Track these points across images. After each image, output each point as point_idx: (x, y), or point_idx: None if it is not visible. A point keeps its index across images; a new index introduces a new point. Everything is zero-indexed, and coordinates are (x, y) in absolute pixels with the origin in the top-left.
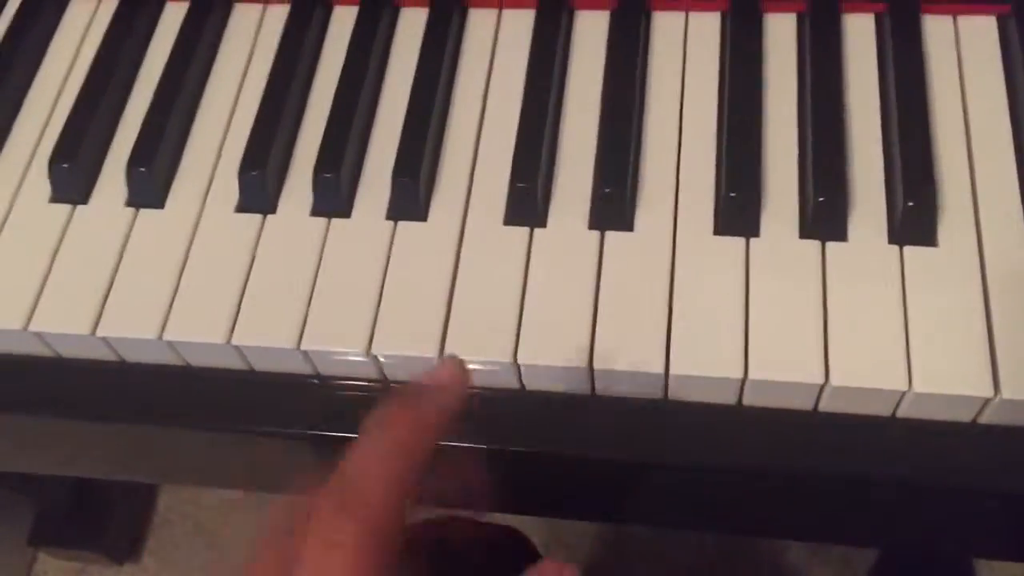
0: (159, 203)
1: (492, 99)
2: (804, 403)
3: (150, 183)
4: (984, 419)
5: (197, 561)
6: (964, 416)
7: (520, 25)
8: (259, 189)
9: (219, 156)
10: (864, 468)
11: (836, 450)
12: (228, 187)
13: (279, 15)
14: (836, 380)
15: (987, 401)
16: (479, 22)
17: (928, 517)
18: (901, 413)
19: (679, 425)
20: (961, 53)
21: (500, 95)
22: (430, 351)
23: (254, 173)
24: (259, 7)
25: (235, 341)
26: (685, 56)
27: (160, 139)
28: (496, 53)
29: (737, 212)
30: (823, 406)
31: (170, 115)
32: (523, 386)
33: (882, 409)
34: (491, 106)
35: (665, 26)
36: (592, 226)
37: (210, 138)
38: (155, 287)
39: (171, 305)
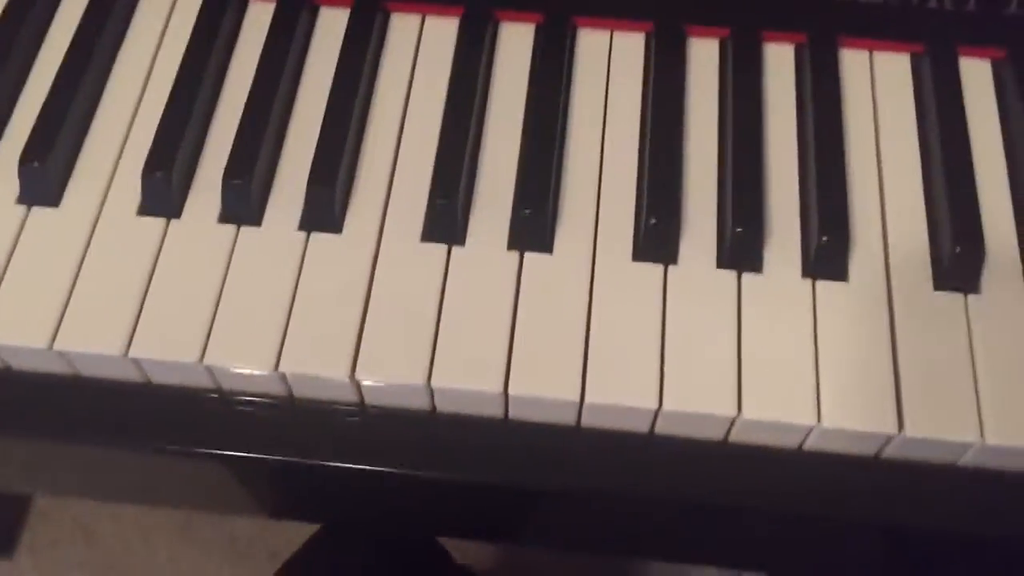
0: (54, 201)
1: (413, 107)
2: (715, 434)
3: (44, 179)
4: (887, 454)
5: (75, 559)
6: (868, 450)
7: (444, 33)
8: (163, 192)
9: (121, 153)
10: (765, 498)
11: (743, 480)
12: (130, 187)
13: (191, 6)
14: (748, 413)
15: (890, 438)
16: (401, 26)
17: (820, 545)
18: (808, 446)
19: (591, 451)
20: (876, 88)
21: (422, 103)
22: (341, 372)
23: (158, 175)
24: None
25: (133, 354)
26: (609, 76)
27: (56, 132)
28: (418, 59)
29: (657, 239)
30: (733, 437)
31: (68, 107)
32: (435, 409)
33: (790, 442)
34: (412, 115)
35: (591, 44)
36: (511, 247)
37: (112, 133)
38: (47, 292)
39: (63, 312)
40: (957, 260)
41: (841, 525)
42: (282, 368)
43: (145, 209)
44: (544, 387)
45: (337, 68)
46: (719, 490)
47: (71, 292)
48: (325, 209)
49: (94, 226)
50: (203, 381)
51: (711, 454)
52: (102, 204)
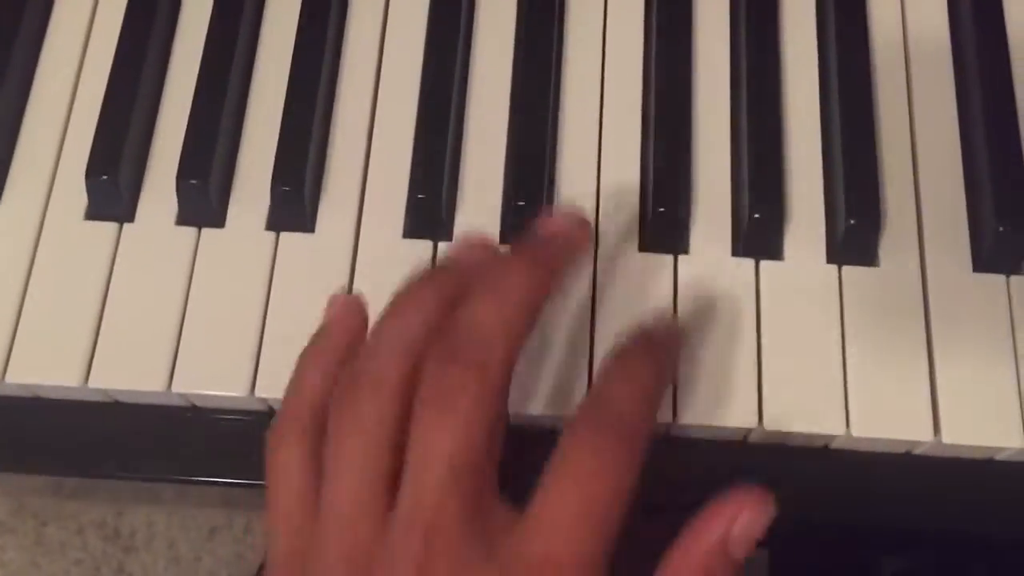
0: None
1: (385, 83)
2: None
3: None
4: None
5: None
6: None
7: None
8: (111, 194)
9: (60, 151)
10: None
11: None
12: (75, 189)
13: None
14: (770, 425)
15: (925, 443)
16: None
17: None
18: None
19: None
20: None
21: (394, 79)
22: None
23: (104, 178)
24: None
25: (93, 383)
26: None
27: None
28: (388, 30)
29: (665, 228)
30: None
31: None
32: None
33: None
34: (384, 93)
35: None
36: (503, 241)
37: (48, 128)
38: None
39: (13, 338)
40: (999, 239)
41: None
42: (259, 392)
43: (93, 213)
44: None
45: (297, 41)
46: None
47: (19, 312)
48: (294, 206)
49: (38, 234)
50: (174, 401)
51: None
52: (45, 208)
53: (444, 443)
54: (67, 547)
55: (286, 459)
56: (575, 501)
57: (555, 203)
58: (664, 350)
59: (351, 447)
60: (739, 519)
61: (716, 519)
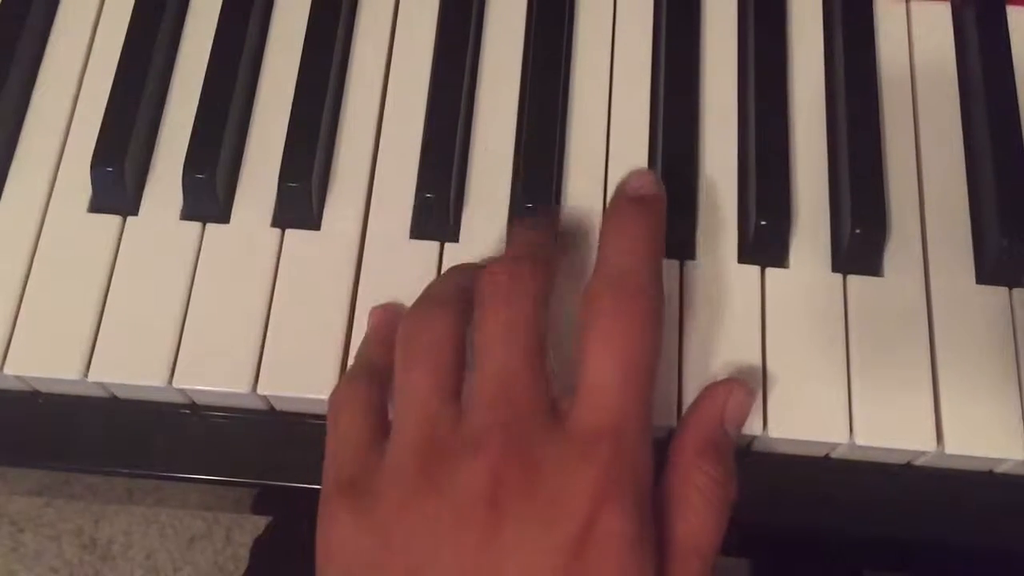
0: None
1: (394, 81)
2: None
3: None
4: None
5: None
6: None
7: None
8: (116, 186)
9: (65, 142)
10: None
11: None
12: (79, 180)
13: None
14: (774, 432)
15: (927, 453)
16: None
17: None
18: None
19: None
20: (913, 47)
21: (403, 77)
22: (328, 391)
23: (108, 169)
24: None
25: (94, 377)
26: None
27: None
28: (398, 28)
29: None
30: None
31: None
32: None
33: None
34: (393, 90)
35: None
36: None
37: (53, 117)
38: None
39: (12, 329)
40: (1004, 252)
41: None
42: (261, 390)
43: (97, 206)
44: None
45: (307, 35)
46: None
47: (19, 302)
48: (300, 202)
49: (40, 226)
50: (173, 398)
51: None
52: (48, 200)
53: (514, 326)
54: (43, 554)
55: (352, 394)
56: (610, 367)
57: (562, 205)
58: (649, 200)
59: (423, 345)
60: (731, 398)
61: (713, 397)
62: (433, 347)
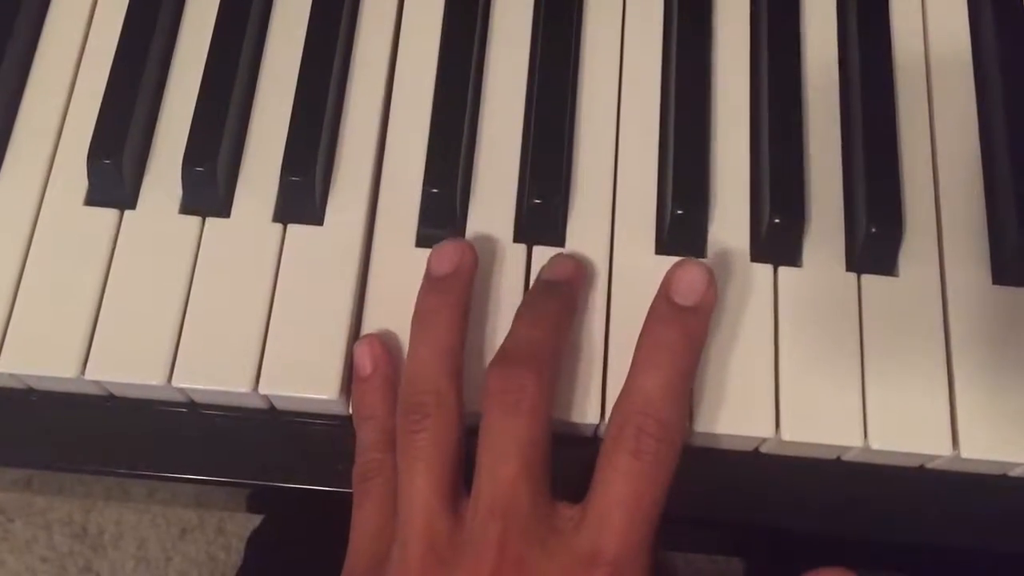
0: None
1: (400, 72)
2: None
3: None
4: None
5: None
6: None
7: None
8: (113, 179)
9: (61, 133)
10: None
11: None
12: (75, 173)
13: None
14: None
15: (942, 457)
16: None
17: None
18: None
19: None
20: (928, 38)
21: (408, 68)
22: (331, 391)
23: (106, 162)
24: None
25: (91, 375)
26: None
27: None
28: (404, 19)
29: (683, 231)
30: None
31: None
32: None
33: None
34: (398, 82)
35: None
36: (517, 239)
37: (49, 108)
38: None
39: (7, 326)
40: (1021, 251)
41: None
42: (263, 389)
43: (93, 198)
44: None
45: (309, 26)
46: None
47: (14, 298)
48: (304, 196)
49: (35, 218)
50: (172, 396)
51: None
52: (43, 192)
53: (516, 435)
54: (33, 544)
55: (374, 468)
56: (622, 500)
57: (570, 202)
58: (689, 314)
59: (422, 451)
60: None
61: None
62: (432, 448)
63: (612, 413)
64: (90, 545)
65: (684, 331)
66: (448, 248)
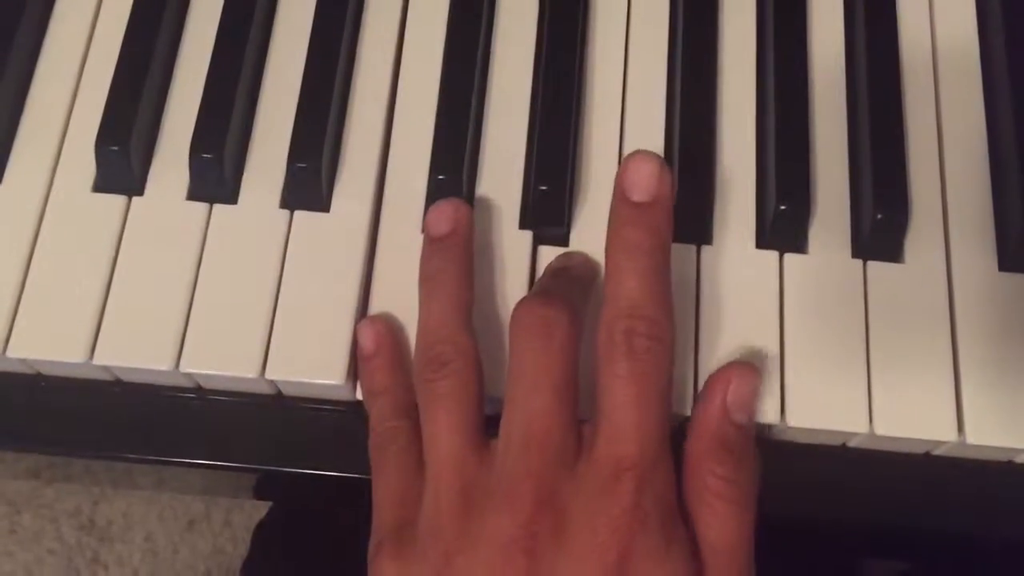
0: None
1: (406, 58)
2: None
3: None
4: (939, 452)
5: None
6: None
7: None
8: (121, 165)
9: (69, 119)
10: None
11: None
12: (83, 160)
13: None
14: (792, 421)
15: (947, 443)
16: None
17: None
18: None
19: None
20: (935, 26)
21: (415, 54)
22: (337, 376)
23: (114, 148)
24: None
25: (99, 360)
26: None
27: None
28: (410, 4)
29: (688, 218)
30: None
31: (3, 67)
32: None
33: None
34: (405, 68)
35: None
36: (523, 226)
37: (57, 94)
38: None
39: (16, 311)
40: None
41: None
42: (269, 374)
43: (102, 185)
44: None
45: (316, 12)
46: None
47: (23, 283)
48: (310, 182)
49: (44, 204)
50: (179, 382)
51: None
52: (51, 179)
53: (548, 368)
54: (41, 536)
55: (390, 439)
56: (629, 401)
57: (576, 189)
58: (651, 206)
59: (445, 397)
60: (731, 388)
61: (712, 393)
62: (454, 392)
63: (599, 325)
64: (98, 537)
65: (649, 228)
66: (444, 207)
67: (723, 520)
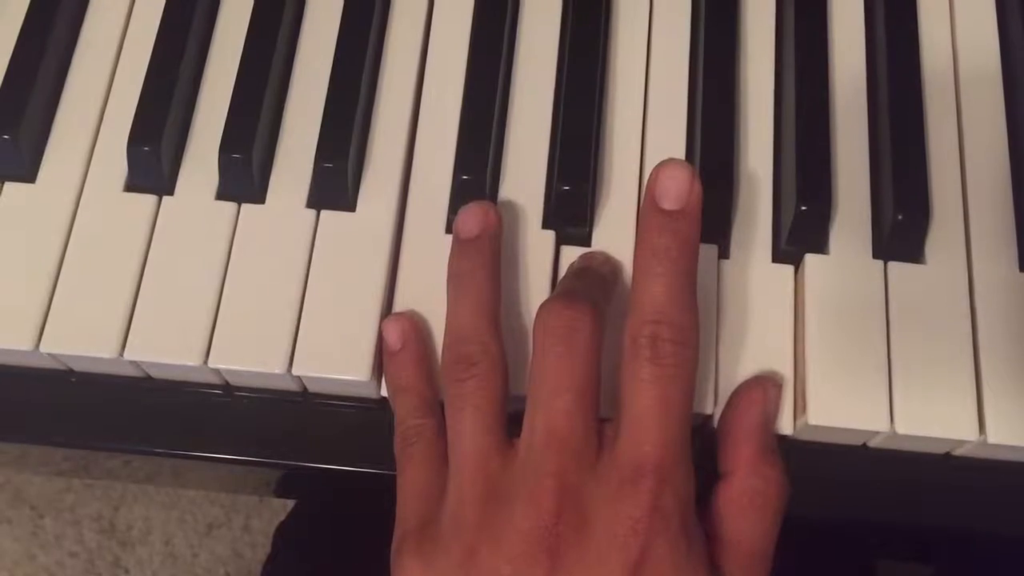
0: (29, 176)
1: (432, 60)
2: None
3: (15, 150)
4: (960, 452)
5: None
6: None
7: None
8: (152, 165)
9: (101, 120)
10: None
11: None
12: (115, 160)
13: None
14: (813, 420)
15: (969, 443)
16: None
17: None
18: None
19: None
20: (956, 29)
21: (440, 56)
22: (363, 373)
23: (145, 148)
24: None
25: (129, 355)
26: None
27: (26, 96)
28: (435, 8)
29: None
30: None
31: (37, 70)
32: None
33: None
34: (430, 69)
35: None
36: (545, 225)
37: (90, 95)
38: (26, 283)
39: (48, 308)
40: None
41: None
42: (296, 371)
43: (133, 184)
44: None
45: (342, 19)
46: None
47: (55, 280)
48: (336, 183)
49: (76, 204)
50: (208, 378)
51: None
52: (84, 178)
53: (571, 368)
54: (63, 539)
55: (415, 435)
56: (652, 404)
57: (599, 188)
58: (681, 215)
59: (471, 396)
60: (767, 399)
61: (752, 403)
62: (481, 392)
63: (626, 329)
64: (118, 541)
65: (676, 235)
66: (474, 210)
67: (763, 524)
